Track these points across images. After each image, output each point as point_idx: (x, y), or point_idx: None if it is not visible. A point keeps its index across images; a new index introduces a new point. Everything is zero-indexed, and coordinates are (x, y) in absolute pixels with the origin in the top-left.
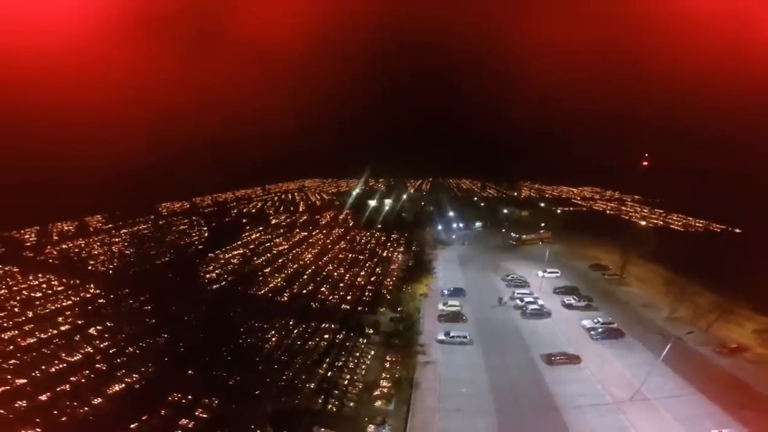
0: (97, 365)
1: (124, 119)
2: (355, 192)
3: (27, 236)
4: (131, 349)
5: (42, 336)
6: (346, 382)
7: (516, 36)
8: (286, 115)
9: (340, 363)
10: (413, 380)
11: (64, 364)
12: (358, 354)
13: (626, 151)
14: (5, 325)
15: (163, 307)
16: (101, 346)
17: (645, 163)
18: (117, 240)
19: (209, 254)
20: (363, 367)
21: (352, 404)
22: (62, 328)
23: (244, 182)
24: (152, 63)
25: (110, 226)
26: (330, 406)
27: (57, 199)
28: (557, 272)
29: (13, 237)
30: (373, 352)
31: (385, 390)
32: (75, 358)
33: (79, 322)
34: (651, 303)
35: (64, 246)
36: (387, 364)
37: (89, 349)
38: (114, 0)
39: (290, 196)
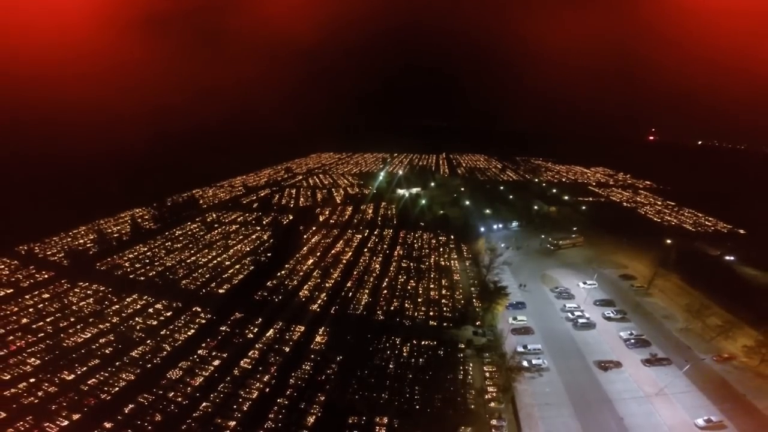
0: (279, 399)
1: (128, 110)
2: (381, 176)
3: (82, 240)
4: (293, 381)
5: (207, 373)
6: (462, 390)
7: (530, 16)
8: (297, 87)
9: (451, 376)
10: (512, 385)
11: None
12: (461, 367)
13: (636, 128)
14: (178, 366)
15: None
16: (264, 379)
17: (651, 138)
18: (179, 245)
19: (285, 265)
20: (469, 377)
21: (472, 406)
22: (215, 363)
23: (262, 160)
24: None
25: (158, 225)
26: (459, 409)
27: (83, 194)
28: (595, 284)
29: (70, 244)
30: (471, 365)
31: (494, 394)
32: (252, 394)
33: (224, 354)
34: (670, 314)
35: (130, 255)
36: (486, 374)
37: (258, 385)
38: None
39: (318, 179)
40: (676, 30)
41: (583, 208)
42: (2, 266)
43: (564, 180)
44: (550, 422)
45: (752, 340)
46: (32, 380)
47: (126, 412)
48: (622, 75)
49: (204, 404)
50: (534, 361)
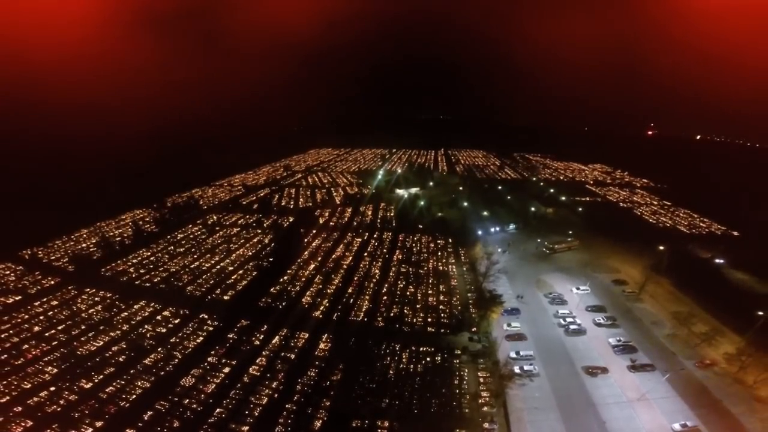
0: (288, 405)
1: (125, 107)
2: (380, 175)
3: (85, 245)
4: (300, 387)
5: (218, 380)
6: (458, 394)
7: (527, 10)
8: (294, 81)
9: (447, 381)
10: (504, 390)
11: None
12: (457, 373)
13: (634, 122)
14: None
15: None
16: (273, 385)
17: (650, 133)
18: (181, 249)
19: (287, 270)
20: (464, 383)
21: (467, 410)
22: (225, 371)
23: (260, 157)
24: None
25: (160, 228)
26: (454, 413)
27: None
28: (588, 290)
29: (73, 248)
30: (466, 370)
31: (487, 399)
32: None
33: (233, 362)
34: (658, 320)
35: (134, 260)
36: (481, 379)
37: (267, 391)
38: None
39: (317, 178)
40: (676, 24)
41: (580, 209)
42: (8, 272)
43: (562, 178)
44: (538, 426)
45: (734, 347)
46: (52, 389)
47: (145, 418)
48: (622, 68)
49: (218, 410)
50: (525, 367)
